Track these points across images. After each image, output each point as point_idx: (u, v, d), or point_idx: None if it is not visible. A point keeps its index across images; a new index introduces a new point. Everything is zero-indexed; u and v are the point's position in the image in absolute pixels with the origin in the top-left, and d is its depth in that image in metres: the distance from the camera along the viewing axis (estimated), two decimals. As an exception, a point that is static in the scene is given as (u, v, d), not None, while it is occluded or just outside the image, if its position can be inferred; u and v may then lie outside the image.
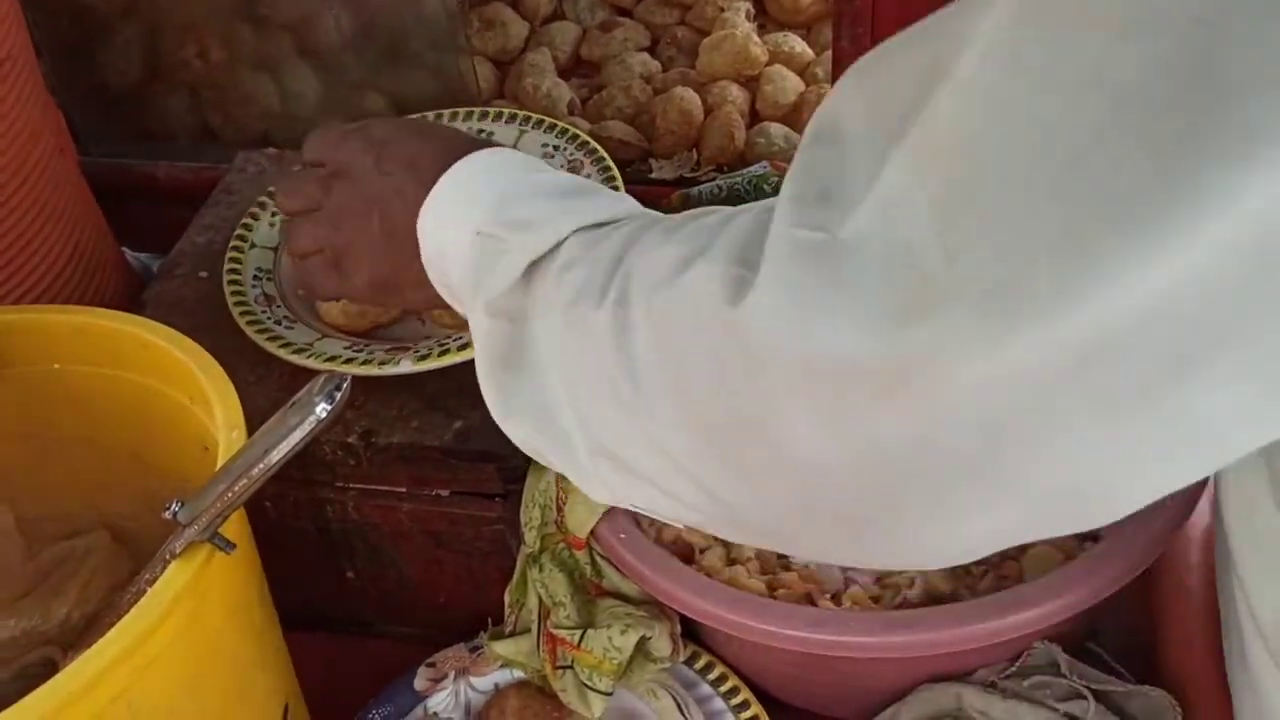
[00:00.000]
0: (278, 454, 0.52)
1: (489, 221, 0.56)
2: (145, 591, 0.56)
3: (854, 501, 0.43)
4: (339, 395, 0.50)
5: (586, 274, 0.50)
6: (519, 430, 0.57)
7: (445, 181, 0.60)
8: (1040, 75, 0.35)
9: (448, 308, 0.65)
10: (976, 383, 0.37)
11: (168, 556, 0.56)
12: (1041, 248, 0.35)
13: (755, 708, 0.77)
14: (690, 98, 1.05)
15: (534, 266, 0.54)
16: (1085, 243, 0.34)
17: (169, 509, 0.56)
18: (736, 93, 1.07)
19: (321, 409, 0.50)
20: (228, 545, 0.57)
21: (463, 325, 0.82)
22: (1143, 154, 0.33)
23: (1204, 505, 0.85)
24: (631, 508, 0.56)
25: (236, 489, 0.53)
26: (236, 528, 0.61)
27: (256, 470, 0.52)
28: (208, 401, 0.66)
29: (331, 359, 0.79)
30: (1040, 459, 0.39)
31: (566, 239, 0.53)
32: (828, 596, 0.73)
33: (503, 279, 0.54)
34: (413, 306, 0.79)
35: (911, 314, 0.37)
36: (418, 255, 0.62)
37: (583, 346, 0.50)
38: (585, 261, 0.51)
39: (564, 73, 1.14)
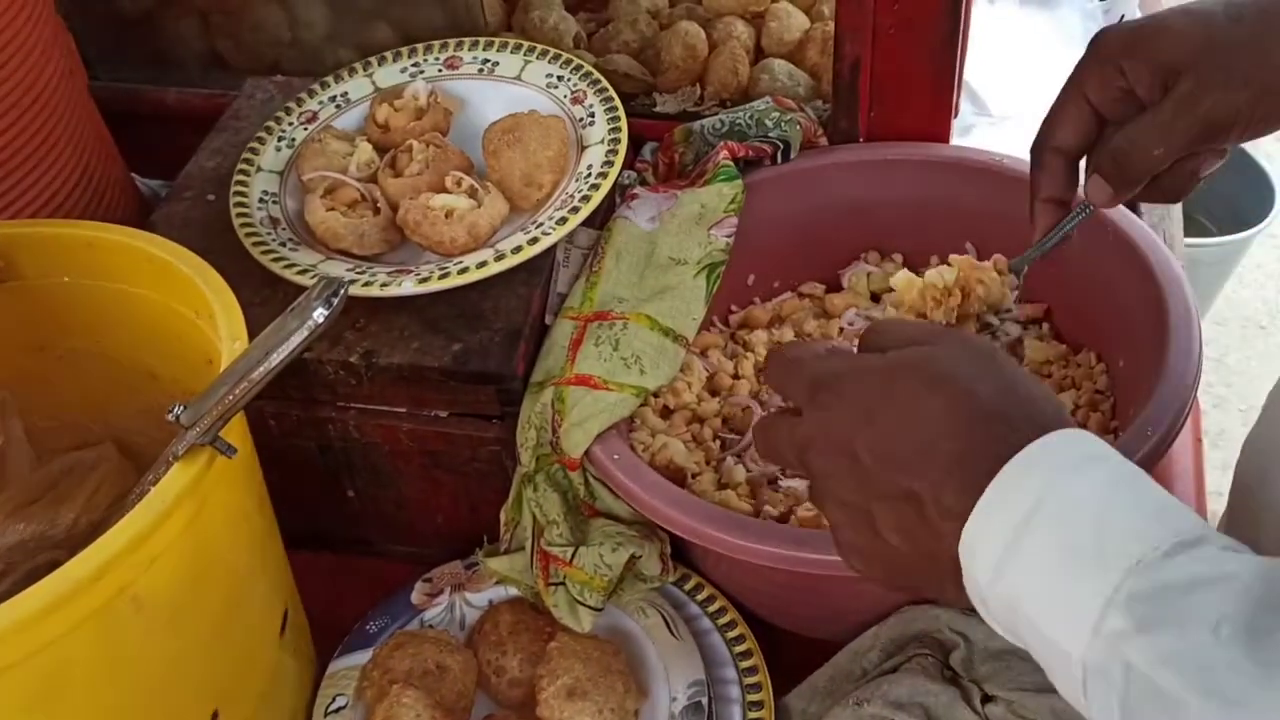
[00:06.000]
0: (277, 357, 0.53)
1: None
2: (149, 492, 0.58)
3: None
4: (336, 301, 0.52)
5: None
6: None
7: (1009, 495, 0.45)
8: None
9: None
10: None
11: (170, 458, 0.58)
12: None
13: (741, 627, 0.79)
14: (695, 32, 1.05)
15: None
16: None
17: (172, 412, 0.57)
18: (742, 28, 1.08)
19: (319, 313, 0.51)
20: (229, 449, 0.59)
21: (464, 249, 0.83)
22: None
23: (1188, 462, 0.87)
24: None
25: (237, 392, 0.55)
26: (238, 435, 0.63)
27: (257, 373, 0.54)
28: (212, 315, 0.68)
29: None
30: None
31: None
32: (807, 507, 0.75)
33: None
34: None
35: None
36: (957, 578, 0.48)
37: None
38: None
39: (571, 7, 1.14)
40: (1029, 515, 0.44)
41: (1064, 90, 0.66)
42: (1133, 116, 0.63)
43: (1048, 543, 0.44)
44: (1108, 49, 0.64)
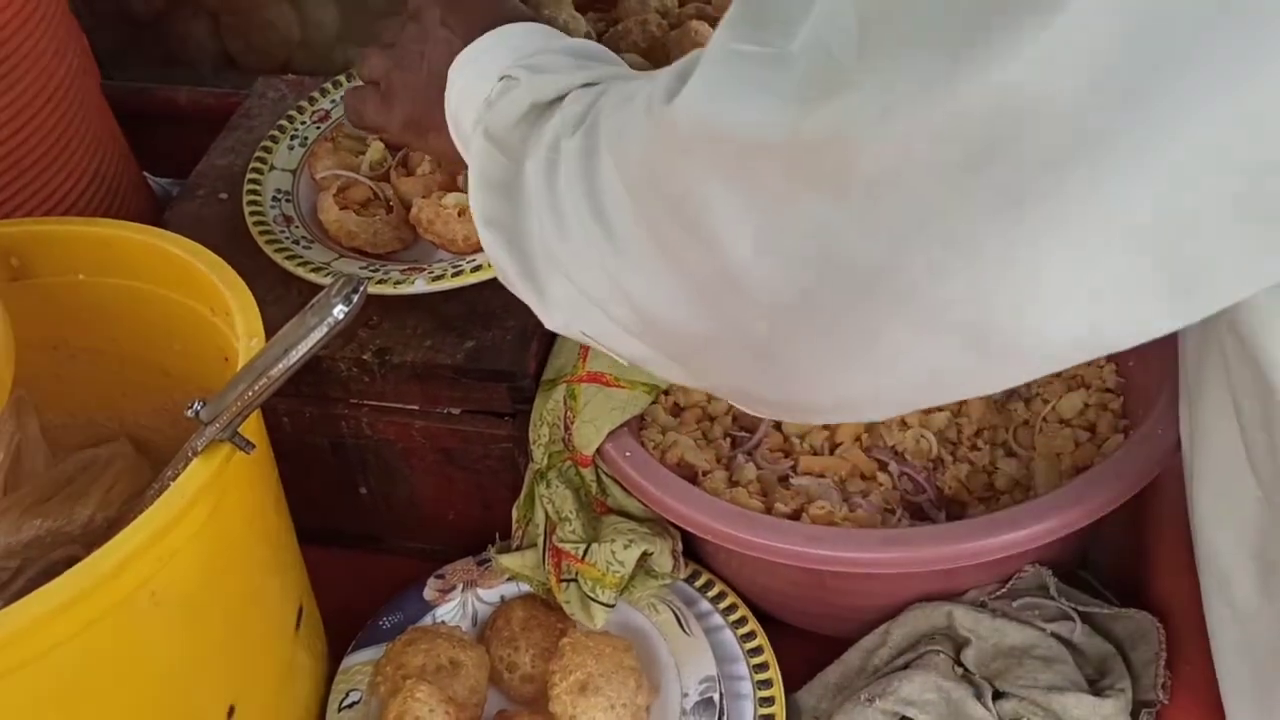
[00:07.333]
0: (297, 354, 0.53)
1: (512, 66, 0.62)
2: (168, 487, 0.58)
3: (764, 316, 0.46)
4: (356, 298, 0.52)
5: (572, 110, 0.56)
6: (493, 238, 0.60)
7: (487, 37, 0.65)
8: None
9: (460, 161, 0.67)
10: (879, 171, 0.39)
11: (190, 454, 0.59)
12: (939, 34, 0.36)
13: (752, 624, 0.79)
14: (705, 32, 1.05)
15: (540, 110, 0.58)
16: (978, 25, 0.35)
17: (191, 408, 0.58)
18: (751, 29, 1.08)
19: (339, 310, 0.52)
20: (247, 445, 0.59)
21: (477, 247, 0.84)
22: None
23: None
24: (582, 337, 0.59)
25: (257, 388, 0.55)
26: (254, 432, 0.63)
27: (276, 370, 0.54)
28: (228, 312, 0.68)
29: (348, 278, 0.81)
30: (944, 270, 0.39)
31: (573, 90, 0.57)
32: (819, 505, 0.75)
33: (507, 114, 0.59)
34: (434, 154, 0.80)
35: (817, 96, 0.39)
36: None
37: (556, 176, 0.54)
38: (576, 102, 0.56)
39: (580, 6, 1.14)
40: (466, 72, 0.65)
41: None
42: None
43: (469, 73, 0.64)
44: None
